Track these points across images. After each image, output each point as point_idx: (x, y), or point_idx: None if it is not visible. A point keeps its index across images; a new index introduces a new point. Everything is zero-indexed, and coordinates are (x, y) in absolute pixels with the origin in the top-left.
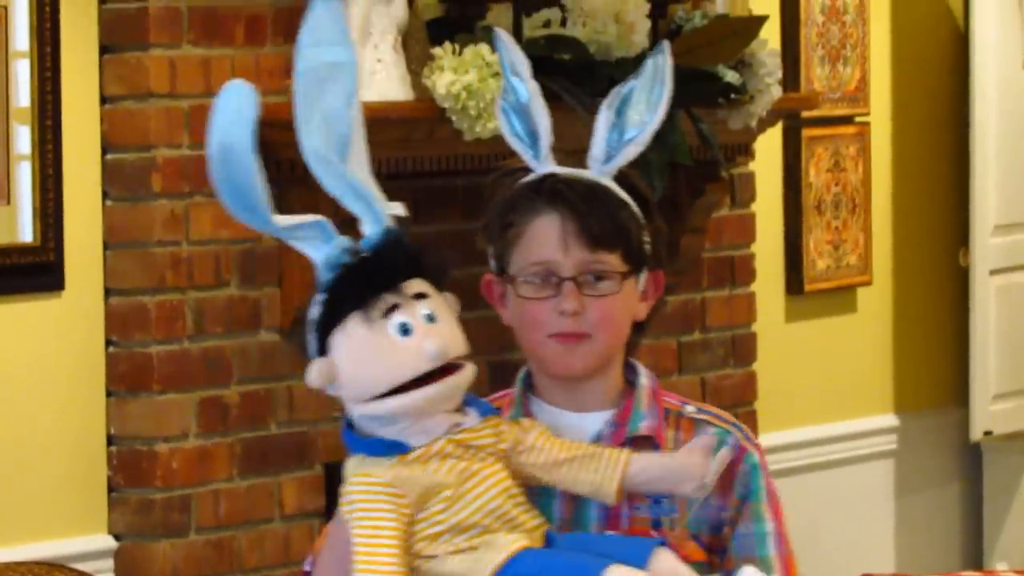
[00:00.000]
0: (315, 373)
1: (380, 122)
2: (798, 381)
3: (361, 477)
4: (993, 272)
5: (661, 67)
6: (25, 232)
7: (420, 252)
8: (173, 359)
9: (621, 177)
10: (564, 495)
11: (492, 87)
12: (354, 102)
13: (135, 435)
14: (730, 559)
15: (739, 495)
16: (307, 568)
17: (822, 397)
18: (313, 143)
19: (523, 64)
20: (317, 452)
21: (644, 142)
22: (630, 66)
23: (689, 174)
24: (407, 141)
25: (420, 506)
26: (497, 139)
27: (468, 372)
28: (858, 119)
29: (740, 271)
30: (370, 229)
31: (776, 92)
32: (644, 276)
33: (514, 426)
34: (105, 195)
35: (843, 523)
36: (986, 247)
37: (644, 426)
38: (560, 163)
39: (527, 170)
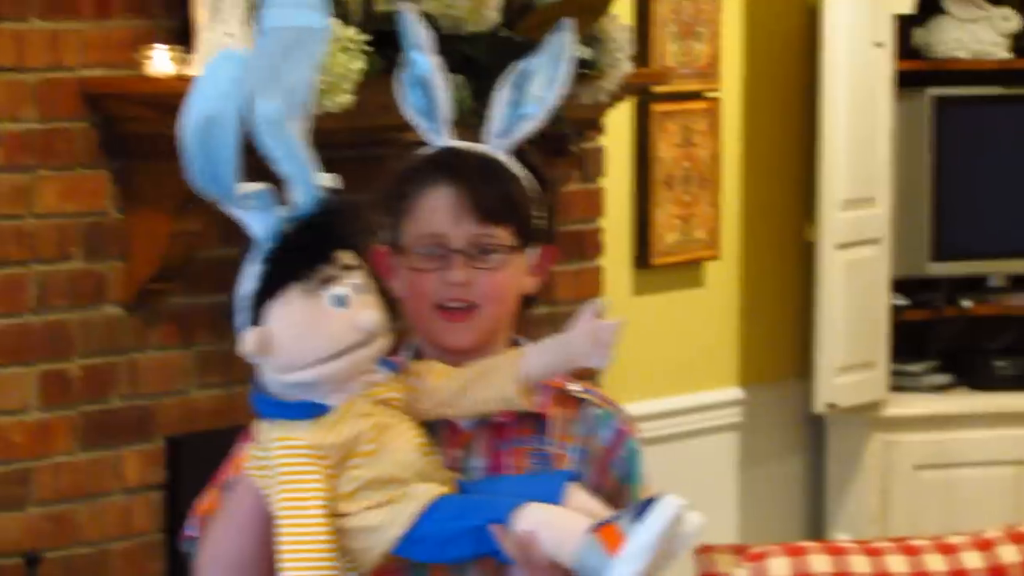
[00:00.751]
0: (251, 342)
1: None
2: (645, 354)
3: (283, 440)
4: (840, 246)
5: (563, 45)
6: None
7: (351, 221)
8: (15, 332)
9: (519, 152)
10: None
11: (342, 61)
12: (315, 72)
13: None
14: None
15: (618, 478)
16: (191, 532)
17: (668, 370)
18: (269, 108)
19: (426, 39)
20: (159, 425)
21: (541, 118)
22: (481, 41)
23: (538, 148)
24: None
25: (340, 465)
26: (347, 113)
27: (387, 338)
28: (708, 95)
29: (588, 245)
30: (301, 196)
31: (626, 67)
32: (534, 251)
33: (410, 376)
34: None
35: (687, 495)
36: (834, 221)
37: (533, 402)
38: (459, 138)
39: (426, 145)
